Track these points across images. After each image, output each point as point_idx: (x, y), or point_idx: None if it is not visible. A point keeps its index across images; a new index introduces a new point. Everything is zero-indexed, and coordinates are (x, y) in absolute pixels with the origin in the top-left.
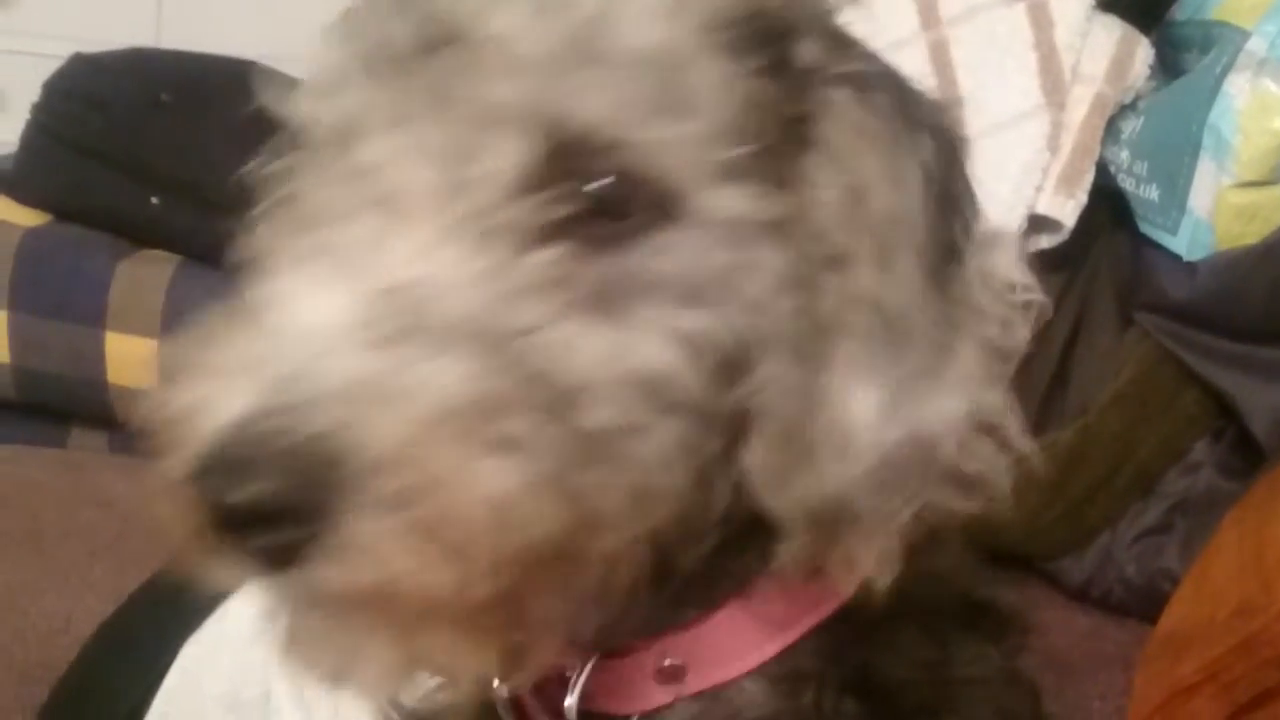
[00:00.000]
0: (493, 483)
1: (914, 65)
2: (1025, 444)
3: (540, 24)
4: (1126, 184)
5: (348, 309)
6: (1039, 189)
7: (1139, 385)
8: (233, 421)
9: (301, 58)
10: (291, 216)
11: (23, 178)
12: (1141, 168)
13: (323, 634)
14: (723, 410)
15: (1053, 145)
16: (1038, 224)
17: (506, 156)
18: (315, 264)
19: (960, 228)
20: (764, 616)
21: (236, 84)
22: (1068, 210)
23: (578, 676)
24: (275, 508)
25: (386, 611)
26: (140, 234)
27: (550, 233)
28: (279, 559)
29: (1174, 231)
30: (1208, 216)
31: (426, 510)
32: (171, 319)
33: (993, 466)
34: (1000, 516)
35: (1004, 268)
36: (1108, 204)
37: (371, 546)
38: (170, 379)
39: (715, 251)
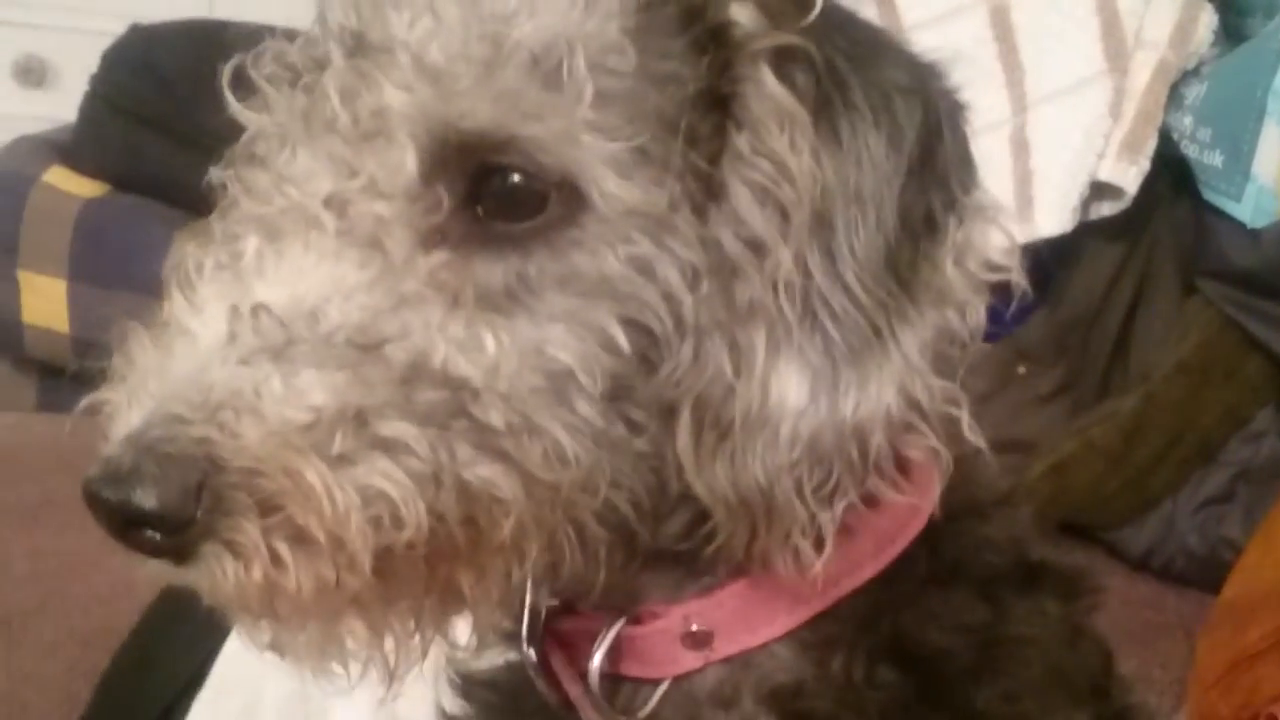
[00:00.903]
0: (363, 484)
1: (974, 31)
2: (974, 433)
3: (446, 24)
4: (1189, 150)
5: (227, 326)
6: (1101, 155)
7: (1201, 353)
8: (122, 433)
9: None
10: (215, 229)
11: (81, 149)
12: (1205, 134)
13: (240, 618)
14: (648, 397)
15: (1115, 111)
16: (1100, 191)
17: (390, 165)
18: (215, 279)
19: (941, 200)
20: (792, 583)
21: None
22: (1130, 177)
23: (601, 641)
24: (151, 513)
25: (278, 603)
26: (196, 204)
27: (443, 237)
28: (173, 557)
29: (1238, 198)
30: (1272, 183)
31: (294, 514)
32: None
33: (933, 457)
34: (1062, 485)
35: (988, 244)
36: (1170, 171)
37: (246, 548)
38: (107, 384)
39: (621, 243)
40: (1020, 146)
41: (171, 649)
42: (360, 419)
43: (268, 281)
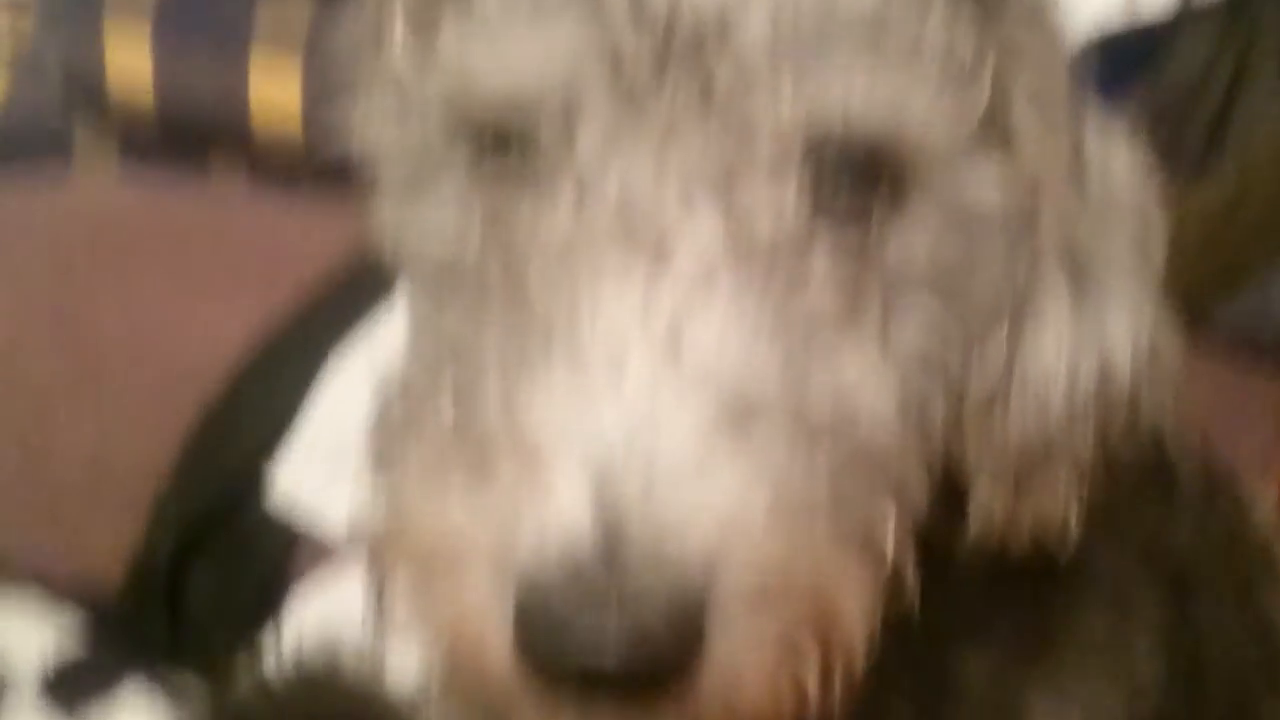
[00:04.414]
0: (840, 570)
1: None
2: (1178, 357)
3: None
4: None
5: (665, 393)
6: None
7: None
8: (562, 553)
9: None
10: (533, 262)
11: None
12: None
13: None
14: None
15: None
16: None
17: (780, 179)
18: (604, 337)
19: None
20: None
21: None
22: None
23: None
24: (633, 667)
25: None
26: None
27: (813, 248)
28: (634, 705)
29: None
30: None
31: (792, 618)
32: (316, 44)
33: (1155, 384)
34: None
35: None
36: None
37: (744, 672)
38: (435, 477)
39: (955, 234)
40: None
41: (260, 405)
42: (815, 492)
43: (671, 340)
